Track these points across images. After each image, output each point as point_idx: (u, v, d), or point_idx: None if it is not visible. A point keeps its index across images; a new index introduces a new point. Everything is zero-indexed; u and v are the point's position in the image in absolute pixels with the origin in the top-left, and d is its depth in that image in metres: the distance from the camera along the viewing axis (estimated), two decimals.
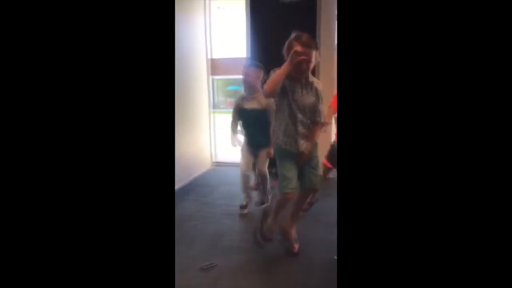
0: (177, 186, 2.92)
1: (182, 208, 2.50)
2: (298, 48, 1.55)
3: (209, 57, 3.78)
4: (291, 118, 1.72)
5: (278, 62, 1.66)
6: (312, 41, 1.60)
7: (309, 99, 1.71)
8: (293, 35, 1.62)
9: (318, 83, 1.73)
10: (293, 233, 1.89)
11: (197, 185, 3.07)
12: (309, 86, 1.70)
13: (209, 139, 3.81)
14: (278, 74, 1.59)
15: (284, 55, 1.65)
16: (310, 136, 1.75)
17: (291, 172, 1.75)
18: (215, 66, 3.91)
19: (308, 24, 3.51)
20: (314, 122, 1.75)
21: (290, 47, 1.59)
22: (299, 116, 1.71)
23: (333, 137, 2.79)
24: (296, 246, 1.86)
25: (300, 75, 1.64)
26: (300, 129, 1.72)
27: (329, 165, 2.59)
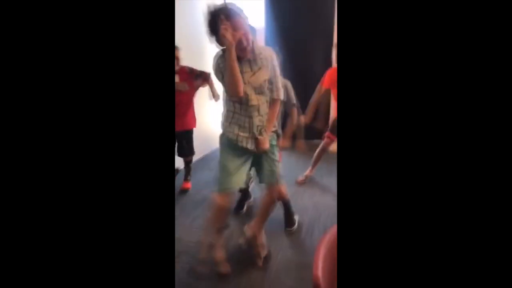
0: (196, 158, 3.24)
1: (199, 177, 2.95)
2: (227, 25, 1.23)
3: None
4: (245, 107, 1.40)
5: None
6: (235, 12, 1.29)
7: (262, 75, 1.39)
8: (211, 11, 1.30)
9: (267, 51, 1.42)
10: (261, 238, 1.66)
11: (215, 158, 3.35)
12: (259, 60, 1.38)
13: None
14: (231, 67, 1.28)
15: (216, 38, 1.33)
16: (269, 120, 1.45)
17: (234, 164, 1.46)
18: None
19: (327, 13, 3.66)
20: (272, 101, 1.46)
21: (217, 25, 1.26)
22: (255, 102, 1.39)
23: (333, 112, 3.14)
24: (263, 253, 1.66)
25: (243, 52, 1.33)
26: (257, 120, 1.42)
27: (333, 137, 2.70)
